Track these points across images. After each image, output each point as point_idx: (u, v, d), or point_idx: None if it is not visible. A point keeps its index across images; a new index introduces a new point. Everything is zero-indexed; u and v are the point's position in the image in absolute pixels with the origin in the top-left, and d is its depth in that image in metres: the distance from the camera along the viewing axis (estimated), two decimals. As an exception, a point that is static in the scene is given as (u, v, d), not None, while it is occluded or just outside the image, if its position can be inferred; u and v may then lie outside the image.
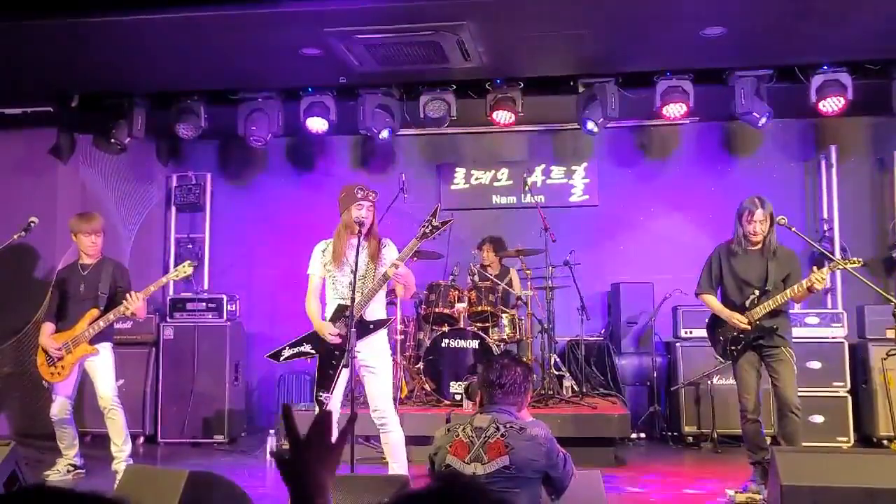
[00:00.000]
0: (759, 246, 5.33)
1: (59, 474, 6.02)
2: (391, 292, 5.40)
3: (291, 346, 4.99)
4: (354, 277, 4.66)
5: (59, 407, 5.96)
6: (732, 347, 5.34)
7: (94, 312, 5.90)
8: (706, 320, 5.71)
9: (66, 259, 6.33)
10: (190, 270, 5.85)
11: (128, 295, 5.78)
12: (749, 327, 5.22)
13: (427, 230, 4.70)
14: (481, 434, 3.13)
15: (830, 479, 3.64)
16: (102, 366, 5.94)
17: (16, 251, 7.30)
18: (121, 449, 5.92)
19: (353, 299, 4.67)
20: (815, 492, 3.60)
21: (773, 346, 5.24)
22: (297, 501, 1.50)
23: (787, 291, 5.15)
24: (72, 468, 6.09)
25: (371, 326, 4.85)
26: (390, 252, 4.95)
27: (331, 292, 4.98)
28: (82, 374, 6.05)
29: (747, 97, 6.86)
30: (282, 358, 5.00)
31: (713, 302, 5.50)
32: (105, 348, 5.98)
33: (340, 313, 4.89)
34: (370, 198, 4.88)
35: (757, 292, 5.27)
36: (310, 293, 5.02)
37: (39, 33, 6.05)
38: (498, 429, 3.12)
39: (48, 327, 6.04)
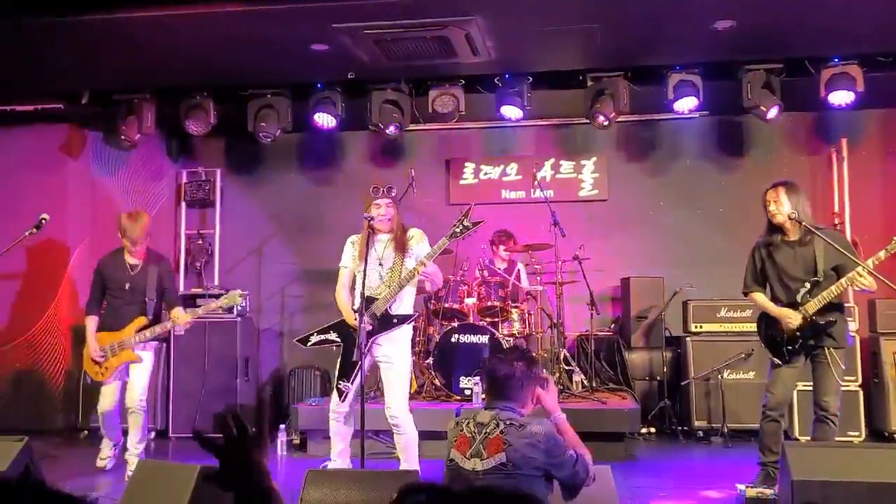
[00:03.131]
0: (797, 235, 4.92)
1: (108, 461, 6.16)
2: (420, 288, 5.47)
3: (319, 332, 5.13)
4: (364, 270, 4.74)
5: (108, 403, 6.00)
6: (790, 347, 4.90)
7: (143, 321, 5.90)
8: (757, 319, 5.20)
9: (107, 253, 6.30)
10: (240, 300, 6.00)
11: (173, 312, 5.92)
12: (799, 323, 4.81)
13: (458, 229, 4.83)
14: (482, 430, 3.13)
15: (842, 474, 3.63)
16: (142, 370, 5.97)
17: (27, 248, 7.35)
18: (135, 445, 5.99)
19: (362, 291, 4.73)
20: (827, 486, 3.59)
21: (820, 346, 4.85)
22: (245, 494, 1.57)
23: (843, 281, 4.71)
24: (115, 447, 6.20)
25: (395, 321, 4.94)
26: (418, 243, 5.04)
27: (360, 285, 5.02)
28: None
29: (756, 91, 6.83)
30: (309, 343, 5.13)
31: (762, 299, 5.05)
32: (149, 352, 6.02)
33: (368, 304, 4.95)
34: (389, 194, 5.00)
35: (808, 285, 4.83)
36: (340, 285, 5.17)
37: (49, 30, 6.08)
38: (498, 425, 3.11)
39: (93, 322, 6.01)
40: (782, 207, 4.92)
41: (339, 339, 5.07)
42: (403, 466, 4.86)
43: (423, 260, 4.87)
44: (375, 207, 4.96)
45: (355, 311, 4.94)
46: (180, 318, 5.90)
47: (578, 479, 3.15)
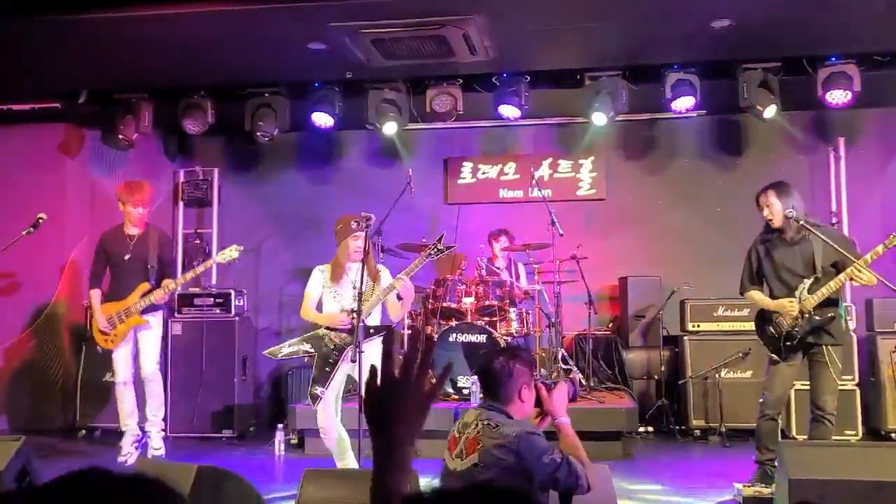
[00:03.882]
0: (792, 233, 4.93)
1: (128, 456, 6.17)
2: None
3: (291, 344, 5.31)
4: (360, 297, 4.89)
5: (122, 371, 6.15)
6: (788, 343, 4.90)
7: (146, 286, 6.07)
8: (755, 317, 5.24)
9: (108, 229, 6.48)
10: (236, 254, 6.12)
11: (165, 281, 6.07)
12: (797, 314, 4.82)
13: (433, 252, 5.12)
14: (465, 429, 3.12)
15: (838, 473, 3.63)
16: (151, 338, 6.16)
17: (25, 247, 7.34)
18: (154, 413, 6.19)
19: (360, 288, 4.90)
20: (824, 485, 3.59)
21: (817, 344, 4.87)
22: (381, 447, 1.40)
23: (842, 276, 4.69)
24: (136, 444, 6.25)
25: (371, 331, 5.21)
26: (385, 275, 5.37)
27: (333, 304, 5.30)
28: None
29: (753, 89, 6.84)
30: (280, 355, 5.30)
31: (759, 296, 5.09)
32: (156, 318, 6.21)
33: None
34: (365, 227, 5.20)
35: (807, 282, 4.85)
36: (306, 306, 5.36)
37: (47, 29, 6.08)
38: (476, 425, 3.08)
39: (97, 295, 6.20)
40: (776, 211, 4.95)
41: (311, 350, 5.26)
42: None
43: (401, 276, 5.12)
44: (354, 239, 5.20)
45: (349, 313, 5.12)
46: (170, 285, 6.08)
47: (561, 484, 3.03)
